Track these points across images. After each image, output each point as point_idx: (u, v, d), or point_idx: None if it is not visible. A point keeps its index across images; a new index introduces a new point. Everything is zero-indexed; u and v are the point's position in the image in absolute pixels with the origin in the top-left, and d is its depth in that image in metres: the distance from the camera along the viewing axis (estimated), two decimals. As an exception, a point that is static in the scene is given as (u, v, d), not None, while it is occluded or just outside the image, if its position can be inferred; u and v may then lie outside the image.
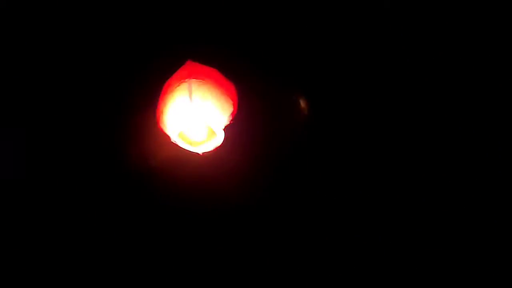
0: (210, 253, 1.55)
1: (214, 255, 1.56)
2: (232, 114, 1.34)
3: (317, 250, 1.71)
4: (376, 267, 1.79)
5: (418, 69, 1.83)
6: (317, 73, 1.62)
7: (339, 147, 1.70)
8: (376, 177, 1.78)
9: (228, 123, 1.35)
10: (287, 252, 1.66)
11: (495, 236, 1.84)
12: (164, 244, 1.52)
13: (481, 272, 1.82)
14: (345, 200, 1.72)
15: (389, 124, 1.79)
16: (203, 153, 1.34)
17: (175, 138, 1.35)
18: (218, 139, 1.36)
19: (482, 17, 1.88)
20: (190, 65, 1.35)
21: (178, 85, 1.35)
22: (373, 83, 1.75)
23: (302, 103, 1.48)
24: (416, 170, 1.83)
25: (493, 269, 1.83)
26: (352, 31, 1.71)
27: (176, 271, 1.56)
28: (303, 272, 1.69)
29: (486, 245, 1.84)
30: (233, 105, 1.34)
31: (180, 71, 1.34)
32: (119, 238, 1.52)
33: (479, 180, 1.85)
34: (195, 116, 1.39)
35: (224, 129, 1.35)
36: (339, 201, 1.71)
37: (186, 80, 1.36)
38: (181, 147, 1.36)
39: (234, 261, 1.60)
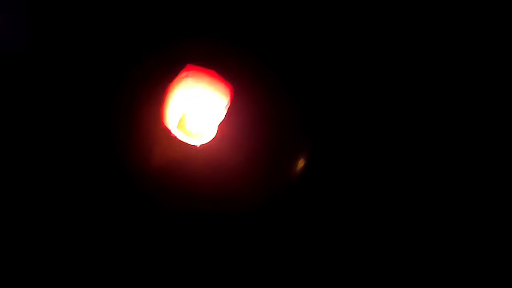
0: (209, 248, 1.67)
1: (213, 250, 1.67)
2: (227, 108, 1.46)
3: (313, 248, 1.75)
4: (372, 267, 1.77)
5: (417, 70, 1.85)
6: (315, 73, 1.72)
7: (337, 145, 1.78)
8: (373, 176, 1.81)
9: (223, 117, 1.46)
10: (284, 248, 1.72)
11: (495, 236, 1.80)
12: (165, 238, 1.63)
13: (481, 272, 1.78)
14: (342, 198, 1.77)
15: (388, 125, 1.83)
16: (200, 145, 1.45)
17: (174, 131, 1.47)
18: (212, 132, 1.48)
19: (482, 17, 1.85)
20: (189, 67, 1.47)
21: (177, 84, 1.47)
22: (373, 81, 1.82)
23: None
24: (411, 171, 1.83)
25: (493, 269, 1.78)
26: (351, 30, 1.78)
27: (176, 267, 1.67)
28: (299, 270, 1.73)
29: (486, 245, 1.80)
30: (228, 100, 1.46)
31: (180, 73, 1.46)
32: (122, 233, 1.62)
33: (479, 180, 1.82)
34: (192, 111, 1.52)
35: (219, 123, 1.47)
36: (336, 197, 1.76)
37: (184, 78, 1.48)
38: (180, 140, 1.47)
39: (230, 256, 1.70)
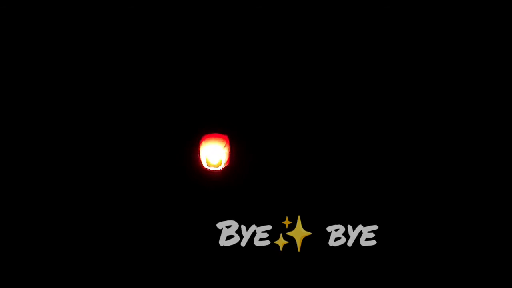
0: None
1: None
2: (228, 149, 2.99)
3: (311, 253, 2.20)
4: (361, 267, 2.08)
5: (416, 72, 2.10)
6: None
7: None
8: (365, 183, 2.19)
9: (228, 154, 2.99)
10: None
11: (495, 236, 1.87)
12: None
13: (481, 272, 1.85)
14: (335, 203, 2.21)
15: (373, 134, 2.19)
16: (221, 169, 2.97)
17: (206, 165, 3.00)
18: (224, 162, 3.01)
19: (482, 17, 1.93)
20: (205, 137, 3.01)
21: (202, 144, 3.00)
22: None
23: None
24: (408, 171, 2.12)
25: (493, 269, 1.85)
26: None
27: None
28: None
29: (486, 245, 1.88)
30: (227, 146, 3.00)
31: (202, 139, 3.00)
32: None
33: (477, 180, 1.95)
34: (212, 154, 3.05)
35: (227, 158, 2.99)
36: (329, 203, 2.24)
37: (203, 140, 3.01)
38: (209, 169, 3.00)
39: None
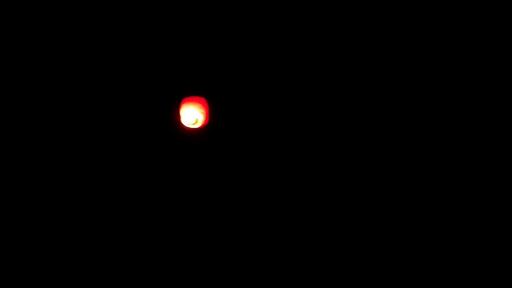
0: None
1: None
2: (205, 110, 3.37)
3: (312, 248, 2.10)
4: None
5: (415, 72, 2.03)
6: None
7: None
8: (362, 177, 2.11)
9: (204, 114, 3.37)
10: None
11: (495, 236, 1.78)
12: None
13: (481, 272, 1.77)
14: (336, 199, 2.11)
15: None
16: (200, 127, 3.35)
17: (185, 123, 3.38)
18: (201, 121, 3.39)
19: (482, 17, 1.84)
20: (185, 100, 3.37)
21: (182, 105, 3.37)
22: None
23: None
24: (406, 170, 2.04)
25: (493, 269, 1.77)
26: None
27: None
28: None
29: (486, 245, 1.79)
30: (205, 107, 3.38)
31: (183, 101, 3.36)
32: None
33: (478, 180, 1.86)
34: (191, 114, 3.42)
35: (204, 117, 3.37)
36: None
37: (184, 103, 3.37)
38: (188, 126, 3.37)
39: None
